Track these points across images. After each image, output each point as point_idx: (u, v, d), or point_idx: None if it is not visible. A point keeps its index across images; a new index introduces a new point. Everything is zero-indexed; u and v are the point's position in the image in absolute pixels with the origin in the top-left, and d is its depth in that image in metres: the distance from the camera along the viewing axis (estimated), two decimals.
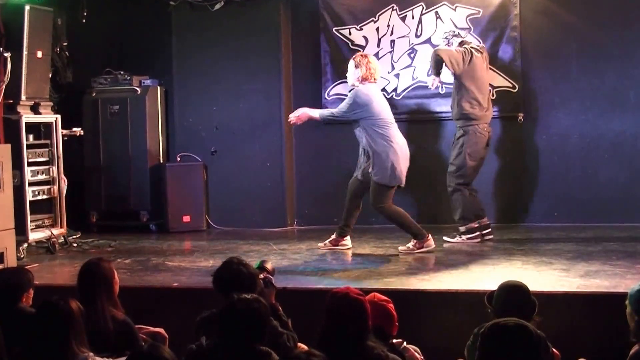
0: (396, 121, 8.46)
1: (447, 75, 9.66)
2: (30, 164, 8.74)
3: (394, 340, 4.84)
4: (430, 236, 8.24)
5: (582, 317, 5.99)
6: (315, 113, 8.56)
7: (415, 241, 8.20)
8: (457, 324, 5.91)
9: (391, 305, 4.90)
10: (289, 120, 8.78)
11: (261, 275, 5.17)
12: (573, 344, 5.45)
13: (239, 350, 4.10)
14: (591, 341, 5.76)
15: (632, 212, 9.44)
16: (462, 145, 8.79)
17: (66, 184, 9.56)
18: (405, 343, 4.92)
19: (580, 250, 7.96)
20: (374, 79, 8.35)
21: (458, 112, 8.81)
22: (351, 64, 8.43)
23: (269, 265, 5.46)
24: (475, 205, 8.84)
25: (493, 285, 5.04)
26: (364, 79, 8.27)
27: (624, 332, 4.68)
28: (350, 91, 8.50)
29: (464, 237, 8.74)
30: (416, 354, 4.92)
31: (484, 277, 6.82)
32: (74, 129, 9.88)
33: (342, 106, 8.38)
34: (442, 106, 9.86)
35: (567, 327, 5.78)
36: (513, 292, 4.81)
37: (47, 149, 9.09)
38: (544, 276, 6.76)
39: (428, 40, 9.94)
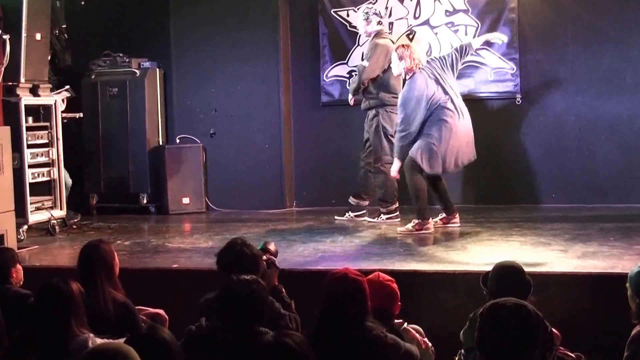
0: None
1: None
2: (29, 147, 8.72)
3: (395, 321, 4.87)
4: (431, 220, 8.26)
5: (580, 297, 6.02)
6: (396, 163, 8.33)
7: (415, 222, 8.20)
8: (455, 305, 5.95)
9: (395, 285, 4.94)
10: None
11: (264, 257, 5.20)
12: (571, 324, 5.48)
13: (239, 331, 4.11)
14: (589, 321, 5.80)
15: (629, 193, 9.47)
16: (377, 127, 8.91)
17: (70, 184, 9.59)
18: (406, 324, 4.95)
19: (577, 231, 7.97)
20: (420, 67, 8.24)
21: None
22: (394, 56, 8.43)
23: (272, 247, 5.48)
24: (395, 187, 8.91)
25: (491, 267, 5.05)
26: (409, 70, 8.27)
27: (622, 312, 4.71)
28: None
29: (384, 217, 8.85)
30: (417, 334, 4.93)
31: (482, 258, 6.82)
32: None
33: (400, 121, 8.26)
34: None
35: (565, 307, 5.81)
36: (507, 272, 4.82)
37: (46, 132, 9.07)
38: (541, 257, 6.77)
39: (426, 22, 9.91)
